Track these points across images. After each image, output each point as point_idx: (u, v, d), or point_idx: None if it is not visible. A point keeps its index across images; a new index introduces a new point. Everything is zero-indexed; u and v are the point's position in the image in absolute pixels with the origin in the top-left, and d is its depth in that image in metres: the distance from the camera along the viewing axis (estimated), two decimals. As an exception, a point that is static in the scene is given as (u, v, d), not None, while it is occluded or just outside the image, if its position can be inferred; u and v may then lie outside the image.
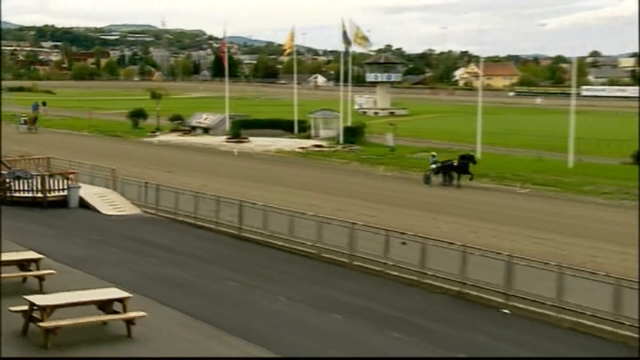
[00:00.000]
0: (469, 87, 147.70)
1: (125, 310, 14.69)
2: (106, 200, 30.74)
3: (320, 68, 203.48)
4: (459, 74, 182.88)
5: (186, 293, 18.65)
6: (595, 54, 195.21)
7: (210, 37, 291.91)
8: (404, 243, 20.87)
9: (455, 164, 39.73)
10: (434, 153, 41.88)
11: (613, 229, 29.31)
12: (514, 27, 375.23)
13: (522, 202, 35.64)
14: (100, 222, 28.34)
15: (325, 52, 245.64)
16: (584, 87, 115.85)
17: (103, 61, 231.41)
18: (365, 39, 61.87)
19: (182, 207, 28.54)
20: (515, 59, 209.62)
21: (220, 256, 23.43)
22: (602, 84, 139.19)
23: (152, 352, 13.84)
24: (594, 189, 38.01)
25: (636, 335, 15.68)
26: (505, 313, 17.70)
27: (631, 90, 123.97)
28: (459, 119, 74.26)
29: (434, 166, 40.32)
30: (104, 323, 14.72)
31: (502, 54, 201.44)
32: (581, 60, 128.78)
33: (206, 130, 65.84)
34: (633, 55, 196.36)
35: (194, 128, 67.03)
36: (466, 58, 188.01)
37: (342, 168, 47.17)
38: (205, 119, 68.66)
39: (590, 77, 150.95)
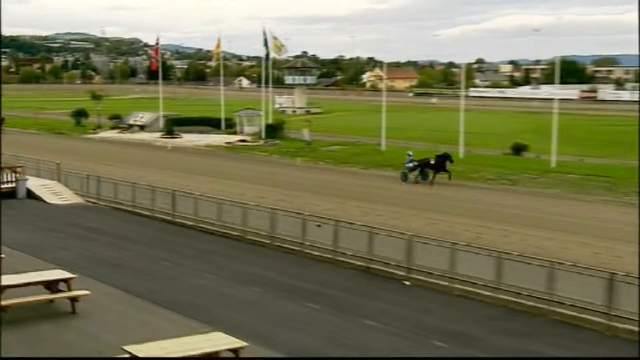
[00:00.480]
0: (375, 89, 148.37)
1: (69, 289, 14.47)
2: (51, 191, 29.96)
3: (244, 72, 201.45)
4: (366, 77, 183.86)
5: (125, 273, 18.42)
6: (480, 60, 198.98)
7: (146, 45, 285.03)
8: (318, 225, 21.00)
9: (432, 162, 37.44)
10: (410, 152, 38.92)
11: (498, 210, 30.13)
12: (412, 36, 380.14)
13: (420, 188, 36.25)
14: (46, 211, 27.63)
15: (249, 58, 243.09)
16: (472, 89, 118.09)
17: (48, 66, 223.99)
18: (281, 47, 61.76)
19: (121, 197, 28.06)
20: (413, 64, 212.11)
21: (155, 239, 23.12)
22: (486, 87, 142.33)
23: (95, 326, 13.66)
24: (480, 176, 38.99)
25: (515, 300, 16.20)
26: (407, 284, 18.01)
27: (509, 92, 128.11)
28: (367, 116, 74.80)
29: (410, 164, 37.81)
30: (51, 301, 14.47)
31: (403, 59, 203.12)
32: (469, 66, 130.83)
33: (142, 128, 64.69)
34: (510, 62, 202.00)
35: (131, 126, 65.72)
36: (372, 63, 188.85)
37: (264, 160, 47.11)
38: (141, 117, 67.45)
39: (477, 81, 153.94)
